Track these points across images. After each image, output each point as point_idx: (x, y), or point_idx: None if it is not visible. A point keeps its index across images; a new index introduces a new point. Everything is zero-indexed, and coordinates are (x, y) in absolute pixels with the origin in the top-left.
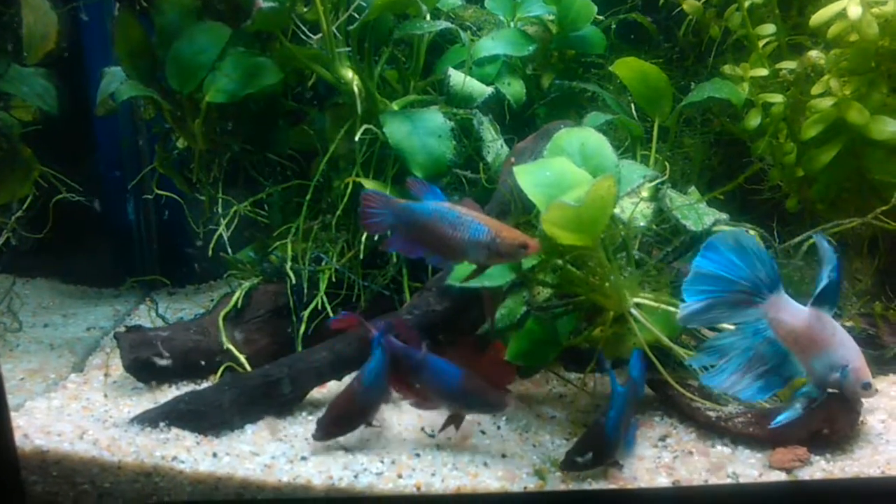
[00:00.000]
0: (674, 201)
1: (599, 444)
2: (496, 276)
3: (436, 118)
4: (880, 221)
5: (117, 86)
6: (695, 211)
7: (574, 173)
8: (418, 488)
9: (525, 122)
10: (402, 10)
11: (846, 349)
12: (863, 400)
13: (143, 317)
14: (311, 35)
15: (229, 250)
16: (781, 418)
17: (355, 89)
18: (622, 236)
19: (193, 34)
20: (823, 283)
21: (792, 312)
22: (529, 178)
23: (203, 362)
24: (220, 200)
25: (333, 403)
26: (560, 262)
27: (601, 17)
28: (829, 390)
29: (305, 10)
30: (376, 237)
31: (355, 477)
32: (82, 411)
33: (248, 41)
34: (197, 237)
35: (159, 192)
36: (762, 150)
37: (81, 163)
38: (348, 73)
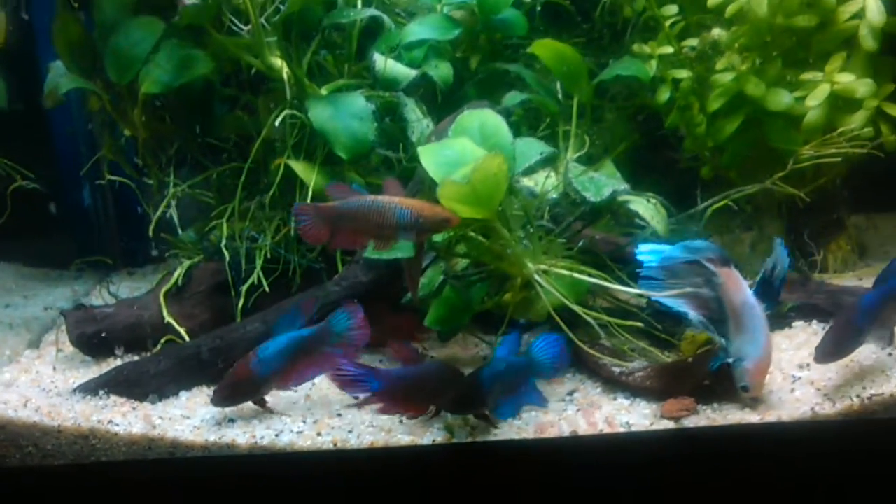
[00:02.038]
0: (576, 174)
1: (471, 393)
2: (405, 248)
3: (357, 101)
4: (779, 187)
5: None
6: (594, 182)
7: (473, 152)
8: (335, 444)
9: (457, 102)
10: (312, 8)
11: (753, 349)
12: None
13: (105, 296)
14: (242, 26)
15: (179, 230)
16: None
17: (284, 76)
18: (523, 208)
19: (129, 28)
20: (764, 282)
21: (739, 288)
22: (432, 157)
23: (146, 336)
24: (169, 184)
25: (231, 372)
26: (471, 233)
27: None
28: None
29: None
30: None
31: (276, 436)
32: (30, 383)
33: (182, 34)
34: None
35: (111, 177)
36: (675, 122)
37: (39, 152)
38: (277, 62)
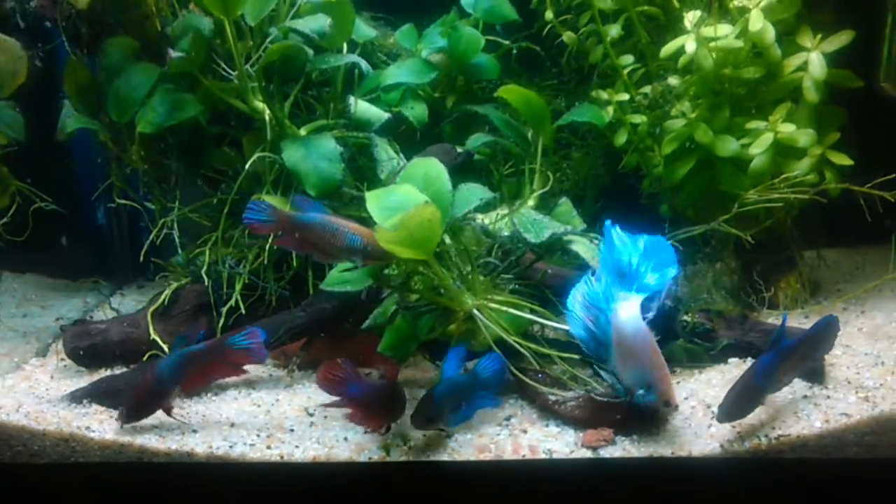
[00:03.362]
0: (521, 217)
1: (428, 409)
2: (356, 282)
3: (327, 144)
4: (724, 228)
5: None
6: (536, 224)
7: (416, 198)
8: (281, 457)
9: (434, 140)
10: (294, 56)
11: (656, 374)
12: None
13: (108, 312)
14: (230, 72)
15: (179, 251)
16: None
17: (266, 118)
18: (466, 246)
19: (130, 73)
20: (659, 312)
21: (629, 317)
22: (377, 202)
23: (136, 351)
24: (169, 210)
25: (131, 393)
26: (421, 269)
27: (505, 42)
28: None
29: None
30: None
31: (230, 447)
32: (28, 389)
33: (176, 79)
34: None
35: (120, 201)
36: (633, 162)
37: (60, 177)
38: (260, 105)
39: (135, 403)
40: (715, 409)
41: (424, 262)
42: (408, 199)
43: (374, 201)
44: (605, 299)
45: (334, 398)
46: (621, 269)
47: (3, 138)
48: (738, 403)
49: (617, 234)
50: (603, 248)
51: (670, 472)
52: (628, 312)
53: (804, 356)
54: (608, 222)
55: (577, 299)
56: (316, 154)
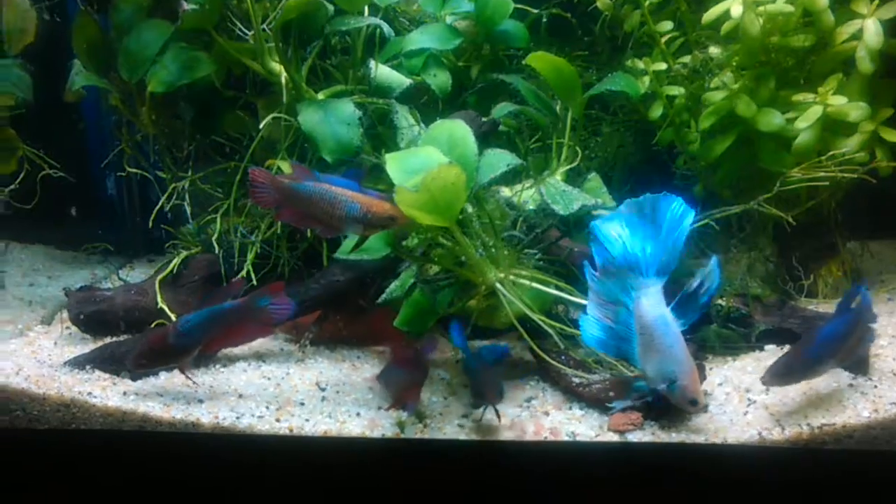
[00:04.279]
0: (549, 188)
1: (497, 384)
2: (374, 250)
3: (346, 108)
4: (765, 208)
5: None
6: (565, 196)
7: (438, 161)
8: (290, 430)
9: (457, 111)
10: (314, 13)
11: (678, 364)
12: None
13: (117, 282)
14: (246, 31)
15: (191, 222)
16: (617, 405)
17: (282, 80)
18: (491, 217)
19: (141, 30)
20: (688, 297)
21: (652, 304)
22: (397, 164)
23: (142, 319)
24: (181, 178)
25: (146, 340)
26: (442, 239)
27: (534, 11)
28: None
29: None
30: None
31: (238, 418)
32: (30, 354)
33: (189, 37)
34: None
35: (130, 169)
36: (667, 138)
37: (69, 145)
38: (276, 66)
39: (149, 352)
40: (751, 396)
41: (446, 229)
42: (430, 161)
43: (394, 163)
44: (622, 291)
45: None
46: (630, 260)
47: (10, 99)
48: (789, 369)
49: (606, 228)
50: (597, 249)
51: (703, 459)
52: (650, 300)
53: (862, 335)
54: (593, 224)
55: (592, 296)
56: (334, 118)
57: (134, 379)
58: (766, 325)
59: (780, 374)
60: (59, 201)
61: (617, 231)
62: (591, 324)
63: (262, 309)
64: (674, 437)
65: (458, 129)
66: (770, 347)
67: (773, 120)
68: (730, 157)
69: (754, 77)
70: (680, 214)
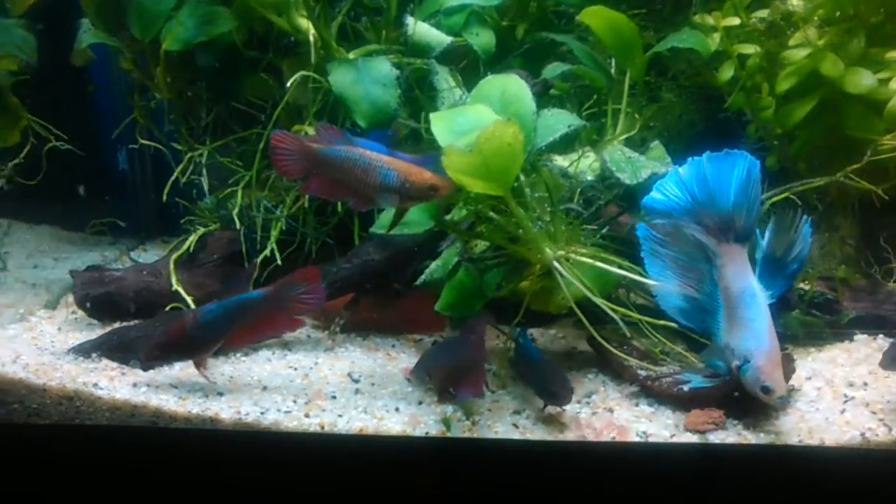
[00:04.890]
0: (612, 154)
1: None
2: (416, 224)
3: (382, 67)
4: (853, 181)
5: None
6: (632, 163)
7: (490, 121)
8: (321, 427)
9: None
10: None
11: (756, 342)
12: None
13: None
14: None
15: (206, 197)
16: (694, 383)
17: (311, 38)
18: (548, 187)
19: None
20: (772, 262)
21: (738, 272)
22: (444, 124)
23: (154, 303)
24: (200, 150)
25: (162, 330)
26: (490, 213)
27: None
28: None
29: None
30: None
31: (262, 413)
32: (30, 341)
33: None
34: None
35: (143, 141)
36: (738, 103)
37: (78, 112)
38: (304, 23)
39: (164, 344)
40: (848, 391)
41: (498, 199)
42: (482, 120)
43: (440, 123)
44: (707, 259)
45: None
46: (716, 219)
47: (13, 63)
48: None
49: (671, 188)
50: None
51: (798, 463)
52: (735, 267)
53: None
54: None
55: (664, 264)
56: (368, 78)
57: (145, 369)
58: (857, 311)
59: None
60: (67, 177)
61: (686, 192)
62: (669, 294)
63: (294, 298)
64: (762, 437)
65: (512, 85)
66: (861, 337)
67: (862, 80)
68: (810, 124)
69: (842, 32)
70: (747, 171)
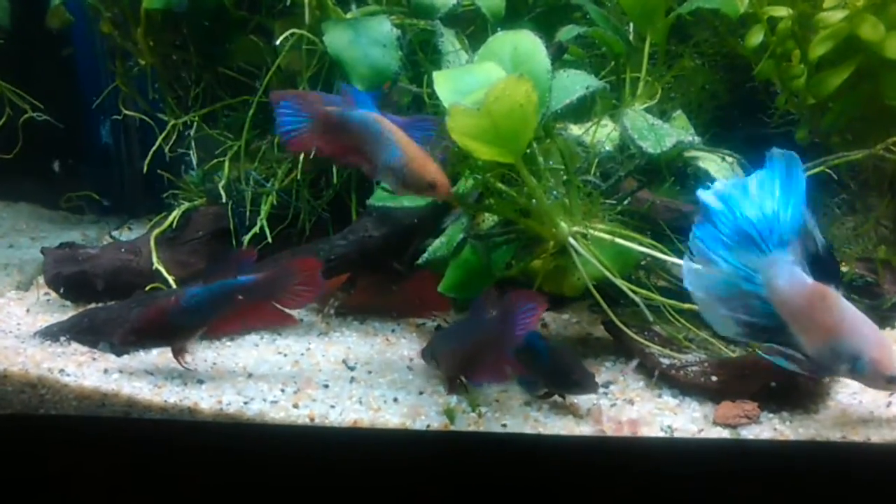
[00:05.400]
0: (634, 121)
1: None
2: (415, 198)
3: (382, 26)
4: (893, 155)
5: None
6: (654, 131)
7: (501, 79)
8: (311, 419)
9: None
10: None
11: (859, 337)
12: None
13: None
14: None
15: (194, 170)
16: (776, 360)
17: None
18: (563, 156)
19: None
20: (814, 259)
21: (789, 281)
22: (449, 84)
23: (132, 283)
24: (191, 120)
25: (139, 312)
26: (499, 185)
27: None
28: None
29: None
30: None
31: (245, 403)
32: None
33: None
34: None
35: (127, 112)
36: (766, 72)
37: (57, 81)
38: None
39: (142, 328)
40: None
41: (509, 168)
42: (491, 80)
43: (445, 82)
44: (746, 280)
45: None
46: (749, 233)
47: None
48: None
49: (718, 197)
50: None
51: (841, 461)
52: (787, 278)
53: None
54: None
55: (709, 298)
56: (366, 38)
57: (118, 354)
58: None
59: None
60: (46, 151)
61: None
62: (724, 322)
63: (288, 289)
64: (801, 433)
65: (524, 41)
66: None
67: None
68: (845, 94)
69: None
70: (787, 167)
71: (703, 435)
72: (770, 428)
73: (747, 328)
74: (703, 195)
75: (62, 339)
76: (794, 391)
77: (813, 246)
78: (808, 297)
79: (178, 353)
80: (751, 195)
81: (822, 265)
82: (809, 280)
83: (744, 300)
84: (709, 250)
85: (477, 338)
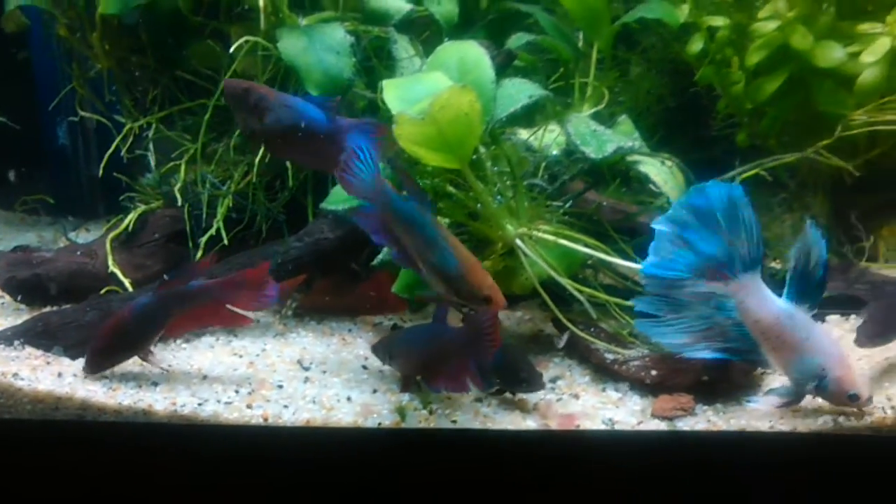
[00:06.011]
0: (577, 127)
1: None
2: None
3: (335, 33)
4: (824, 158)
5: None
6: (597, 137)
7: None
8: (265, 419)
9: None
10: None
11: (823, 356)
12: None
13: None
14: None
15: (151, 173)
16: (754, 401)
17: (260, 3)
18: (509, 161)
19: None
20: (800, 276)
21: (760, 302)
22: (397, 92)
23: (88, 286)
24: (149, 123)
25: (98, 333)
26: (449, 188)
27: None
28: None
29: None
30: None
31: (199, 405)
32: None
33: None
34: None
35: (84, 114)
36: (707, 77)
37: (12, 83)
38: None
39: (102, 346)
40: None
41: (456, 173)
42: (437, 89)
43: (393, 91)
44: (718, 307)
45: None
46: (712, 264)
47: None
48: (887, 324)
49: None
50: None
51: (769, 451)
52: (755, 298)
53: None
54: (655, 226)
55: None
56: (320, 45)
57: (73, 357)
58: (829, 291)
59: (878, 332)
60: (1, 153)
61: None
62: (698, 349)
63: (240, 295)
64: (732, 424)
65: (470, 52)
66: (833, 318)
67: (833, 54)
68: (780, 99)
69: (811, 4)
70: (728, 195)
71: (641, 427)
72: (704, 419)
73: (730, 352)
74: (658, 230)
75: (16, 343)
76: (727, 384)
77: (804, 262)
78: (776, 317)
79: (146, 357)
80: (701, 229)
81: (807, 282)
82: (779, 300)
83: (721, 328)
84: (675, 302)
85: (440, 344)
